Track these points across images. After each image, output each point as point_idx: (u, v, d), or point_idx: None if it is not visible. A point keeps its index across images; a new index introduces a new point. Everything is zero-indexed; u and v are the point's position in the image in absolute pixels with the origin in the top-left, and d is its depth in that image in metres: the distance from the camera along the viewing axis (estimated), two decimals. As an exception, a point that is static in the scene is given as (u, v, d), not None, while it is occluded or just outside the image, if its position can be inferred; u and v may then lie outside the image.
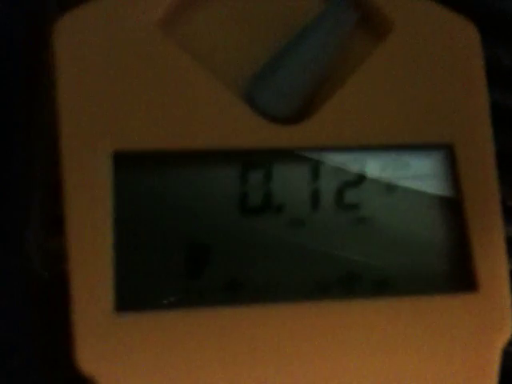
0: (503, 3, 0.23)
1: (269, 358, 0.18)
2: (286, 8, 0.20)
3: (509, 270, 0.19)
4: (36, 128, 0.21)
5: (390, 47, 0.20)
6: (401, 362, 0.18)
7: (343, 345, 0.18)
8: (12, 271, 0.22)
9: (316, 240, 0.19)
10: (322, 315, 0.18)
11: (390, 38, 0.20)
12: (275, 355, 0.18)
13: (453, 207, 0.19)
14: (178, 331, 0.17)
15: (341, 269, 0.19)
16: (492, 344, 0.19)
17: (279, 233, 0.19)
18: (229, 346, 0.18)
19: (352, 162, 0.19)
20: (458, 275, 0.19)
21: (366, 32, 0.20)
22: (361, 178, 0.19)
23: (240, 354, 0.18)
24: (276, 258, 0.19)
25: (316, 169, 0.19)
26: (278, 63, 0.19)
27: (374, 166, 0.19)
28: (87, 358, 0.17)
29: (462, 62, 0.20)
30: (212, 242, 0.18)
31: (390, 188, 0.19)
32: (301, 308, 0.18)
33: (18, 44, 0.23)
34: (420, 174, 0.20)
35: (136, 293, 0.18)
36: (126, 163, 0.18)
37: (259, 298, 0.18)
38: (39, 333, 0.21)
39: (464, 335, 0.18)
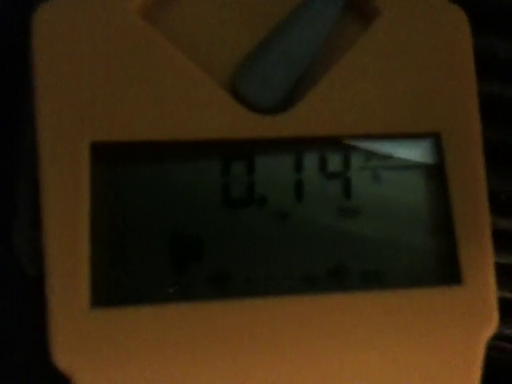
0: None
1: (256, 352, 0.18)
2: None
3: (508, 263, 0.19)
4: (24, 123, 0.21)
5: (377, 34, 0.19)
6: (387, 354, 0.18)
7: (331, 337, 0.18)
8: (4, 267, 0.22)
9: (302, 232, 0.19)
10: (310, 308, 0.18)
11: (377, 23, 0.19)
12: (262, 349, 0.18)
13: (439, 198, 0.19)
14: (157, 326, 0.17)
15: (327, 261, 0.19)
16: (477, 336, 0.18)
17: (264, 225, 0.18)
18: (211, 341, 0.17)
19: (336, 152, 0.19)
20: (444, 268, 0.19)
21: (352, 18, 0.20)
22: (346, 169, 0.19)
23: (223, 348, 0.17)
24: (262, 250, 0.18)
25: (300, 159, 0.19)
26: (262, 51, 0.19)
27: (359, 156, 0.19)
28: (63, 354, 0.17)
29: (450, 48, 0.20)
30: (195, 235, 0.18)
31: (375, 178, 0.19)
32: (289, 301, 0.18)
33: (16, 39, 0.22)
34: (406, 163, 0.19)
35: (113, 288, 0.17)
36: (104, 154, 0.18)
37: (245, 292, 0.18)
38: (38, 330, 0.21)
39: (450, 327, 0.18)
